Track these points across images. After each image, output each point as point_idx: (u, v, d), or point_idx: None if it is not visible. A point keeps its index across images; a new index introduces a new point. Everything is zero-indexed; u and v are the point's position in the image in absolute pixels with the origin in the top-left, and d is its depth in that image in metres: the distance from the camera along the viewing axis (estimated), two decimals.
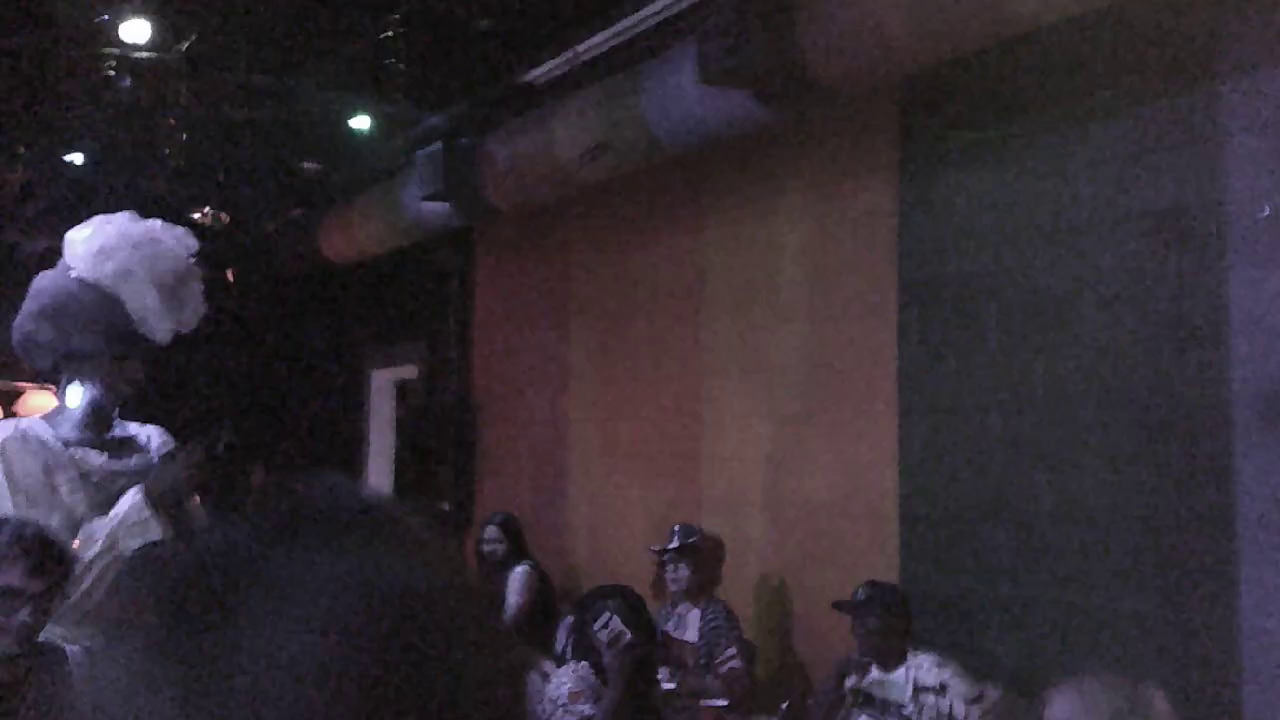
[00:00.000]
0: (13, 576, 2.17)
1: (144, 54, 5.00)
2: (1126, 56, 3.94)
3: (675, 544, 4.89)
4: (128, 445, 2.69)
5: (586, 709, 3.22)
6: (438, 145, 6.03)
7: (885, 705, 3.78)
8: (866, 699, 3.80)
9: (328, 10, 5.17)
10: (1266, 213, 3.45)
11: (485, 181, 6.01)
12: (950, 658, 3.83)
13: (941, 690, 3.69)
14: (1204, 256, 3.71)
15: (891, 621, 3.90)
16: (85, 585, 2.41)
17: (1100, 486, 3.96)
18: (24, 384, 7.53)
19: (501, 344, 7.44)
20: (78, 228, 2.77)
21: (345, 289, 8.71)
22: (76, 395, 2.62)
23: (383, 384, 8.87)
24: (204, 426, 2.74)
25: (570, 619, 4.44)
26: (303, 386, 9.17)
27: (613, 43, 5.27)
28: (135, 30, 4.75)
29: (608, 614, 3.34)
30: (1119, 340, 3.96)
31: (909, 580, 4.53)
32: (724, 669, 4.48)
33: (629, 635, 3.28)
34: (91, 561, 2.42)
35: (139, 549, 2.42)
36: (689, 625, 4.69)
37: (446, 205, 6.25)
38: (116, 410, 2.74)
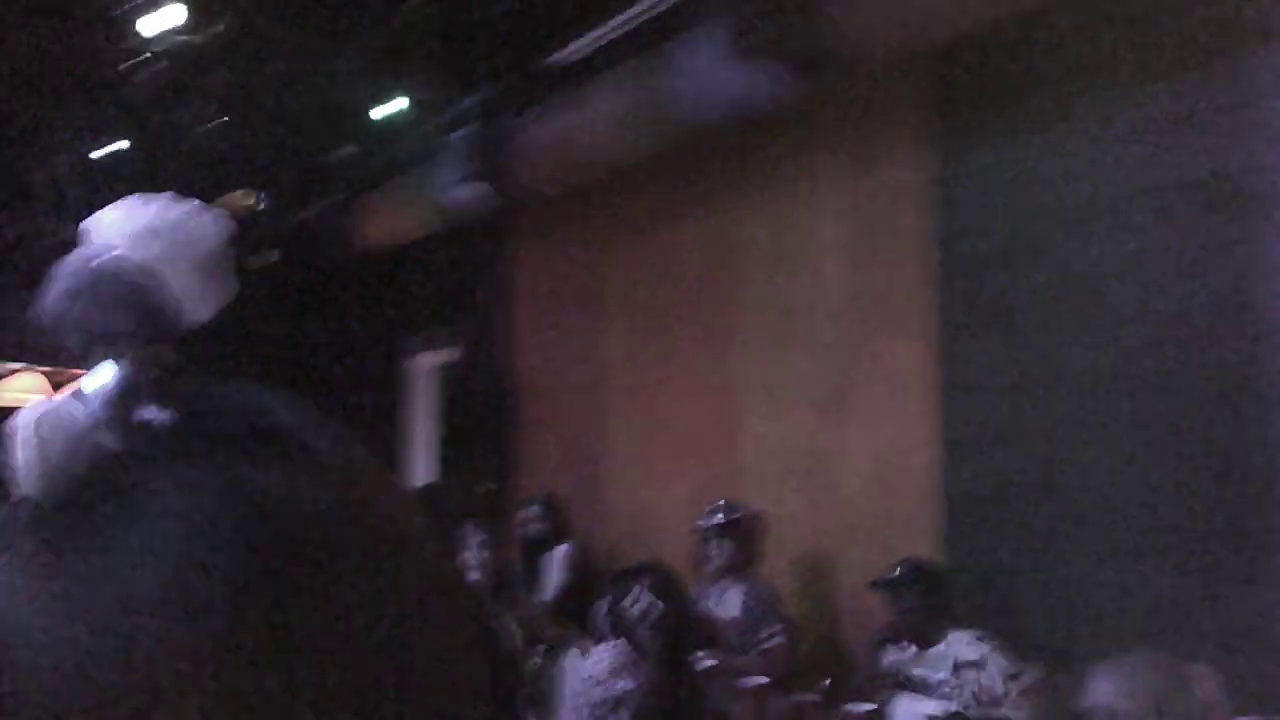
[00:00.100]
0: None
1: (175, 40, 5.03)
2: (1168, 22, 3.86)
3: (716, 521, 4.88)
4: (144, 429, 2.71)
5: (624, 685, 3.24)
6: (471, 128, 6.02)
7: (924, 683, 3.77)
8: (905, 677, 3.79)
9: None
10: None
11: (518, 164, 6.00)
12: (990, 635, 3.80)
13: (980, 666, 3.66)
14: (1250, 226, 3.64)
15: (929, 599, 3.88)
16: None
17: (1145, 462, 3.91)
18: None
19: (540, 327, 7.44)
20: (112, 208, 2.76)
21: (383, 275, 8.74)
22: (107, 374, 2.64)
23: (423, 368, 8.91)
24: None
25: (608, 598, 4.44)
26: (344, 372, 9.23)
27: (644, 18, 5.23)
28: (166, 16, 4.78)
29: (639, 588, 3.36)
30: (1163, 314, 3.89)
31: (950, 558, 4.50)
32: (766, 647, 4.47)
33: (660, 606, 3.29)
34: None
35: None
36: (730, 603, 4.68)
37: (481, 189, 6.25)
38: (146, 392, 2.75)
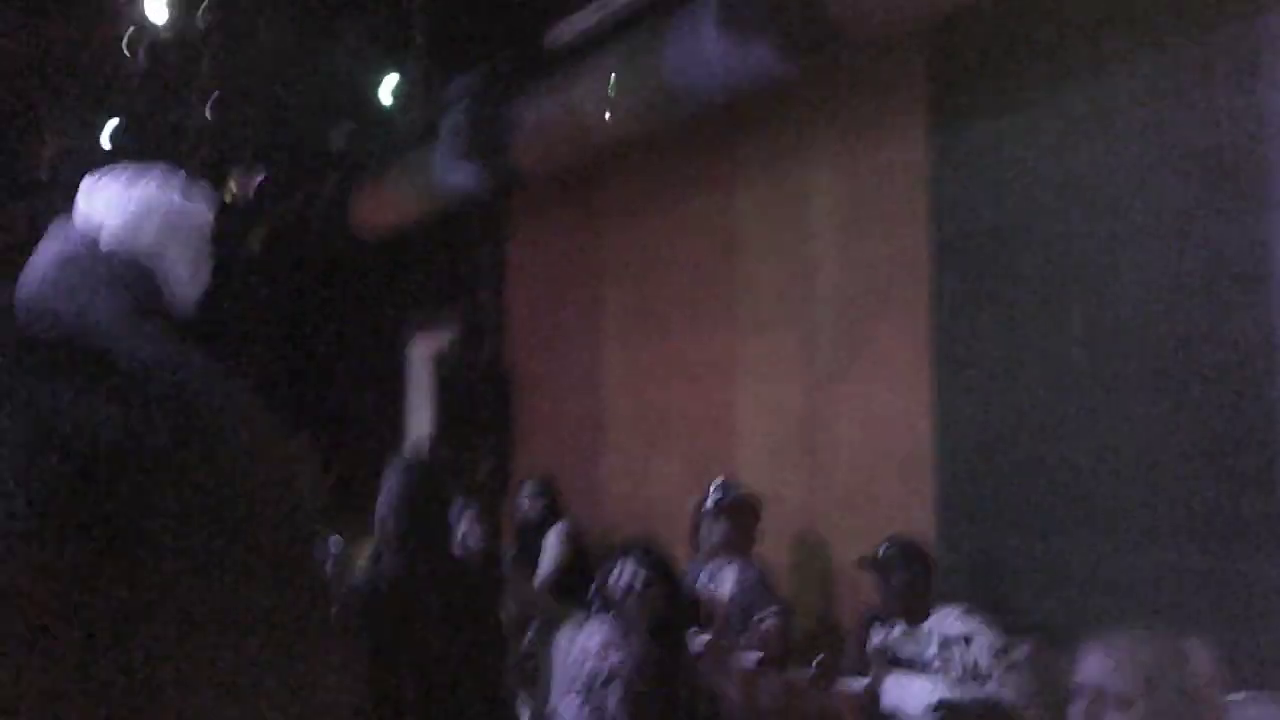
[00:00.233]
0: None
1: (167, 25, 5.00)
2: None
3: (713, 500, 4.88)
4: None
5: (614, 660, 3.24)
6: (464, 110, 6.00)
7: (913, 661, 3.77)
8: (895, 656, 3.80)
9: None
10: None
11: (512, 145, 5.97)
12: (980, 611, 3.80)
13: (967, 641, 3.67)
14: (1248, 199, 3.61)
15: (916, 578, 3.90)
16: None
17: (1142, 439, 3.90)
18: None
19: (536, 309, 7.43)
20: (99, 185, 2.68)
21: (382, 259, 8.72)
22: None
23: (420, 352, 8.90)
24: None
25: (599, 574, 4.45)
26: (343, 356, 9.24)
27: None
28: (158, 2, 4.75)
29: (626, 562, 3.38)
30: (1161, 288, 3.87)
31: (945, 535, 4.51)
32: (760, 626, 4.47)
33: (647, 579, 3.30)
34: None
35: None
36: (725, 582, 4.69)
37: (476, 171, 6.23)
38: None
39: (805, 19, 4.09)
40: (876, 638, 3.89)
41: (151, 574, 0.39)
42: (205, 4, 4.99)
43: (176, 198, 2.74)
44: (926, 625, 3.81)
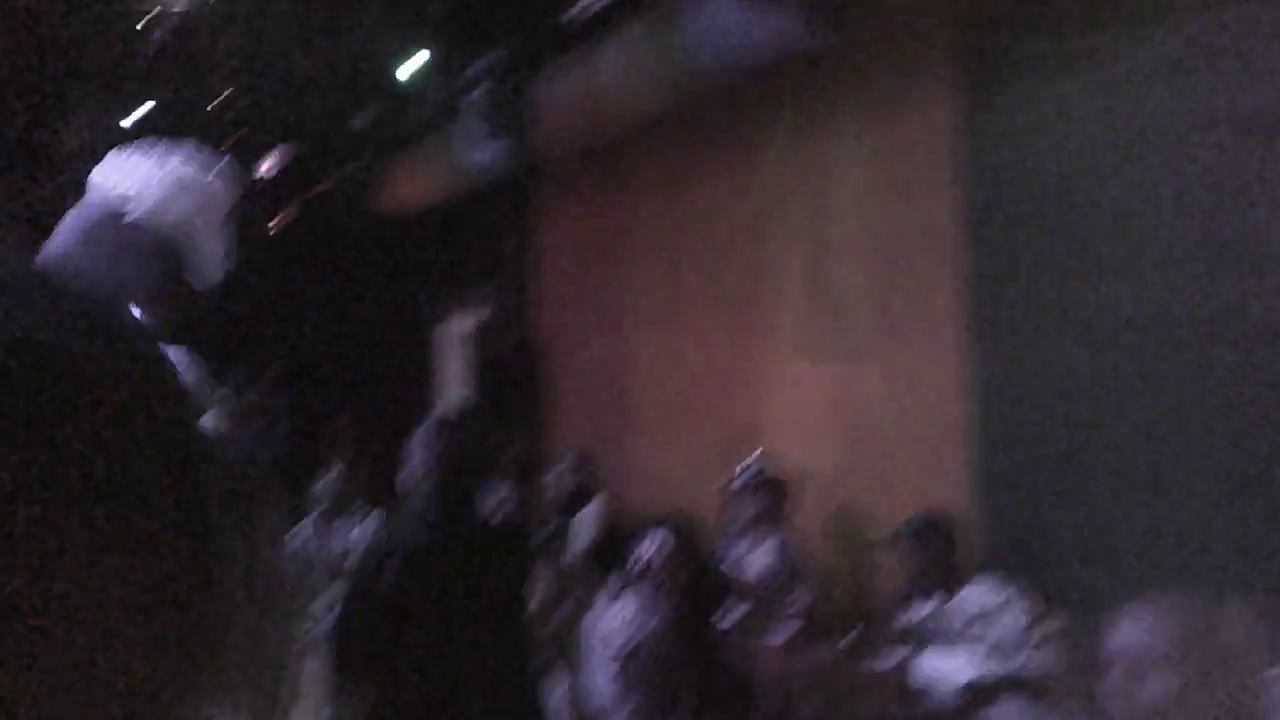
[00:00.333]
0: None
1: (187, 4, 5.00)
2: None
3: (746, 477, 4.86)
4: None
5: (642, 632, 3.24)
6: (485, 89, 5.97)
7: (944, 636, 3.74)
8: (926, 631, 3.76)
9: None
10: None
11: (534, 123, 5.95)
12: (1015, 583, 3.76)
13: (996, 615, 3.62)
14: None
15: (944, 552, 3.86)
16: None
17: (1181, 405, 3.83)
18: None
19: (564, 288, 7.42)
20: (125, 160, 2.67)
21: (408, 240, 8.73)
22: None
23: (451, 333, 8.92)
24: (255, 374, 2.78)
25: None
26: (371, 339, 9.27)
27: None
28: None
29: (655, 536, 3.38)
30: (1198, 252, 3.80)
31: (982, 509, 4.46)
32: (791, 603, 4.44)
33: (672, 547, 3.30)
34: None
35: None
36: (756, 559, 4.67)
37: (499, 150, 6.20)
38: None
39: None
40: (908, 613, 3.85)
41: None
42: None
43: (203, 174, 2.74)
44: (957, 600, 3.77)
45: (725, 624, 4.00)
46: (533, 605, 4.65)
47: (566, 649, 4.44)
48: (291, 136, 7.29)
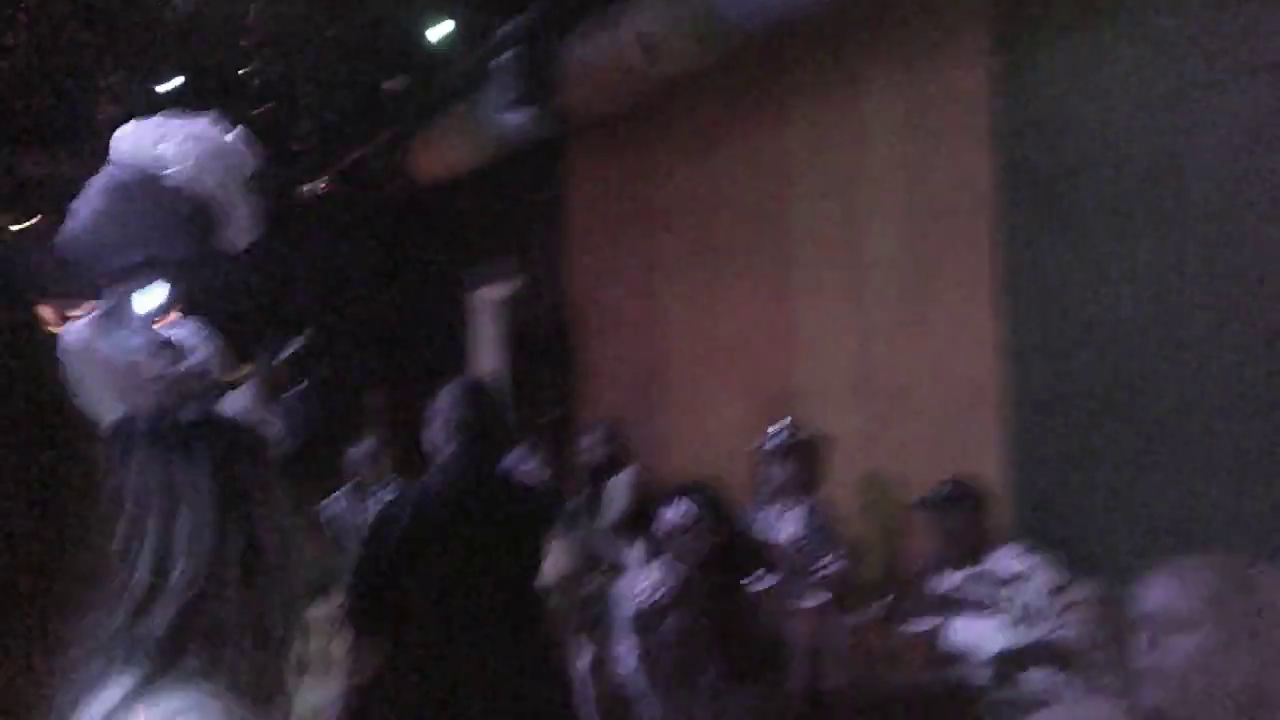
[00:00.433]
0: None
1: None
2: None
3: (778, 442, 4.81)
4: (172, 349, 2.69)
5: (666, 598, 3.21)
6: (515, 53, 5.93)
7: (973, 602, 3.69)
8: (956, 597, 3.71)
9: None
10: None
11: (563, 86, 5.89)
12: (1045, 550, 3.69)
13: (1023, 580, 3.57)
14: None
15: (974, 519, 3.81)
16: None
17: (1220, 366, 3.74)
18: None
19: (596, 252, 7.38)
20: (155, 126, 2.66)
21: (443, 208, 8.72)
22: (144, 302, 2.61)
23: (485, 300, 8.91)
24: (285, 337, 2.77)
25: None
26: (409, 306, 9.28)
27: None
28: None
29: (683, 502, 3.35)
30: (1236, 210, 3.69)
31: (1015, 476, 4.38)
32: (824, 568, 4.40)
33: (696, 513, 3.27)
34: None
35: None
36: (788, 525, 4.63)
37: (529, 114, 6.15)
38: (172, 317, 2.73)
39: None
40: (939, 580, 3.80)
41: None
42: None
43: (234, 140, 2.72)
44: (986, 565, 3.72)
45: (755, 591, 3.97)
46: (563, 574, 4.65)
47: (595, 618, 4.43)
48: (322, 105, 7.28)
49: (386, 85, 7.20)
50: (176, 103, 6.50)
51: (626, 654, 3.54)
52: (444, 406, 3.34)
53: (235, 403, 2.65)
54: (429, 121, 7.47)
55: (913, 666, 3.66)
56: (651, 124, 6.57)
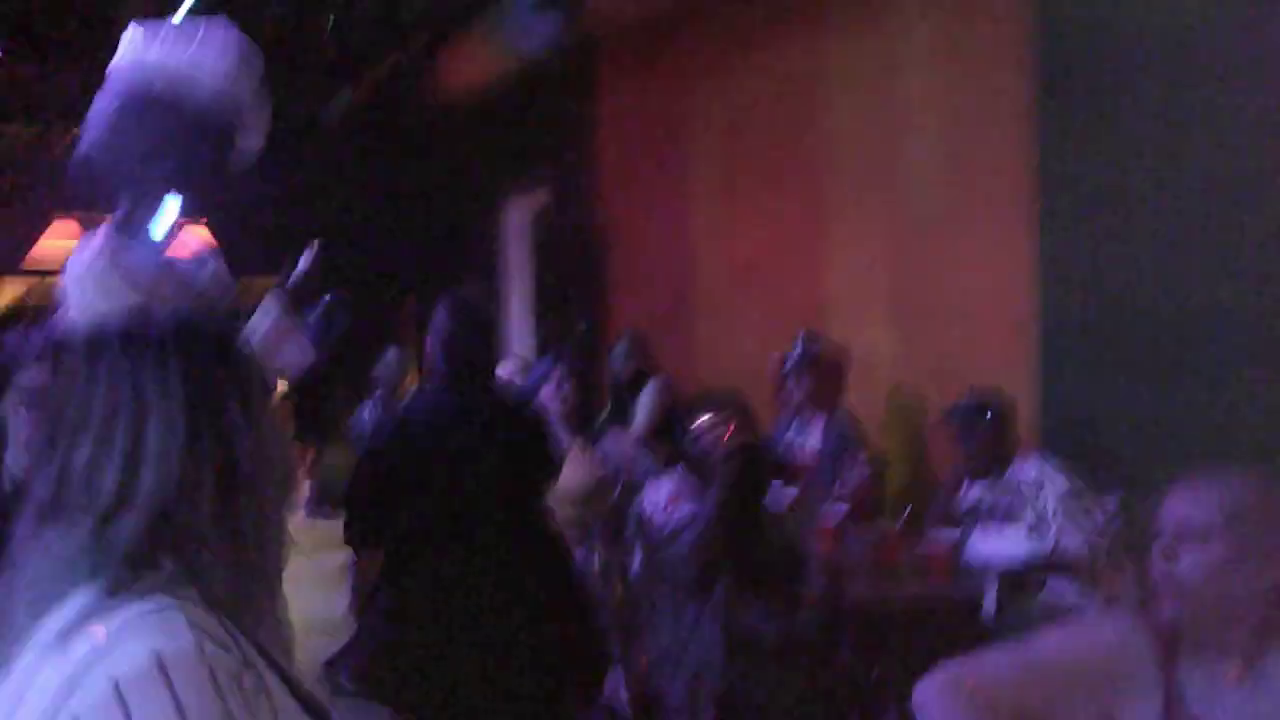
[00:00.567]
0: None
1: None
2: None
3: (797, 353, 4.80)
4: (185, 267, 2.68)
5: (685, 511, 3.22)
6: None
7: (994, 512, 3.69)
8: (979, 509, 3.72)
9: None
10: None
11: None
12: (1066, 462, 3.68)
13: (1040, 486, 3.57)
14: None
15: (996, 434, 3.80)
16: None
17: (1253, 291, 3.66)
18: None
19: (625, 167, 7.31)
20: (158, 34, 2.61)
21: (473, 123, 8.64)
22: (162, 216, 2.60)
23: (517, 213, 8.89)
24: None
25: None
26: (439, 220, 9.27)
27: None
28: None
29: (707, 413, 3.34)
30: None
31: (1046, 393, 4.34)
32: (847, 478, 4.41)
33: (721, 424, 3.27)
34: None
35: None
36: (812, 435, 4.64)
37: (553, 28, 6.07)
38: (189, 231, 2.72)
39: None
40: (963, 491, 3.80)
41: None
42: None
43: (247, 50, 2.67)
44: (1007, 478, 3.72)
45: (781, 501, 3.98)
46: (586, 484, 4.68)
47: (618, 527, 4.47)
48: (342, 22, 7.18)
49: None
50: (194, 12, 6.46)
51: (643, 562, 3.57)
52: (436, 323, 3.36)
53: (261, 317, 2.64)
54: (454, 36, 7.37)
55: (932, 580, 3.67)
56: (681, 37, 6.46)
